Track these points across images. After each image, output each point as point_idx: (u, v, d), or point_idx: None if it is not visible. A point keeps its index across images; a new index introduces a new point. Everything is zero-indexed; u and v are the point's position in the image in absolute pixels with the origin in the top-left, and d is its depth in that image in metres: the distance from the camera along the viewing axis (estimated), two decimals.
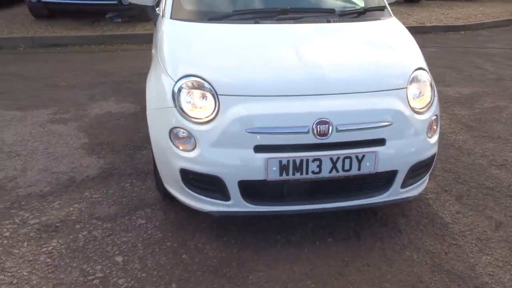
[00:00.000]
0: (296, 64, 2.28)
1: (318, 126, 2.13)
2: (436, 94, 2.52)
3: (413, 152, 2.32)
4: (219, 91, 2.18)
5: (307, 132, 2.13)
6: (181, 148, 2.22)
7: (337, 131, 2.15)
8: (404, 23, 9.25)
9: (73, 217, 2.58)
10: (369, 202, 2.35)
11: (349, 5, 3.05)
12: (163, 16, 2.81)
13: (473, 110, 4.45)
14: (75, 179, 2.99)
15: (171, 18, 2.73)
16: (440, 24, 8.88)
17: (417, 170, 2.40)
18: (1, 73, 5.31)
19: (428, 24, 8.76)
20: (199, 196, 2.28)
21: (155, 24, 3.05)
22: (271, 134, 2.13)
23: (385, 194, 2.35)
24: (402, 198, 2.43)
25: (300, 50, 2.37)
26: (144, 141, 3.50)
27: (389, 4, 3.24)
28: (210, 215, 2.35)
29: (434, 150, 2.44)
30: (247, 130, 2.11)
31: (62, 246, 2.34)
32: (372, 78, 2.32)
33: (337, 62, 2.34)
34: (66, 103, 4.38)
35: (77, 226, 2.51)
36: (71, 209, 2.66)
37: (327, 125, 2.13)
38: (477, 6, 11.38)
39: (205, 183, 2.23)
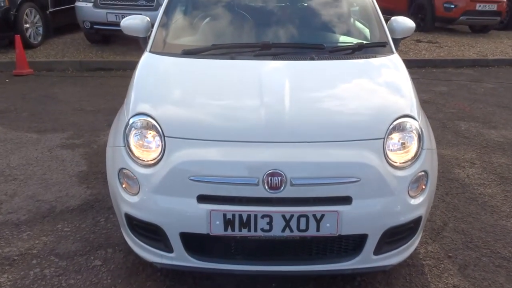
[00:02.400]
0: (256, 107, 2.06)
1: (269, 178, 1.88)
2: (429, 146, 2.15)
3: (387, 214, 1.98)
4: (167, 132, 2.01)
5: (257, 184, 1.89)
6: (127, 191, 2.07)
7: (292, 184, 1.89)
8: (462, 55, 8.64)
9: (34, 251, 2.52)
10: (334, 268, 2.03)
11: (344, 39, 2.76)
12: (145, 49, 2.73)
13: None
14: (55, 209, 2.95)
15: (150, 51, 2.64)
16: (505, 57, 8.12)
17: (395, 236, 2.05)
18: (40, 95, 5.58)
19: (490, 57, 8.03)
20: (143, 244, 2.11)
21: None
22: (216, 183, 1.92)
23: (353, 261, 2.01)
24: (376, 267, 2.08)
25: (265, 91, 2.14)
26: None
27: (403, 38, 2.91)
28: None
29: (418, 212, 2.07)
30: (190, 177, 1.91)
31: (9, 283, 2.26)
32: (341, 126, 2.04)
33: (303, 107, 2.08)
34: (83, 128, 4.46)
35: (34, 261, 2.43)
36: (37, 241, 2.61)
37: (279, 177, 1.88)
38: None
39: (147, 231, 2.07)
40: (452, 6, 9.76)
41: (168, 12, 2.86)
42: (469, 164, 3.76)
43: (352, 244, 2.01)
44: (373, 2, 2.91)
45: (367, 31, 2.82)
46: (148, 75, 2.47)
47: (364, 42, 2.67)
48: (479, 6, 9.77)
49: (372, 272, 2.24)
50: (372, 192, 1.95)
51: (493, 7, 9.89)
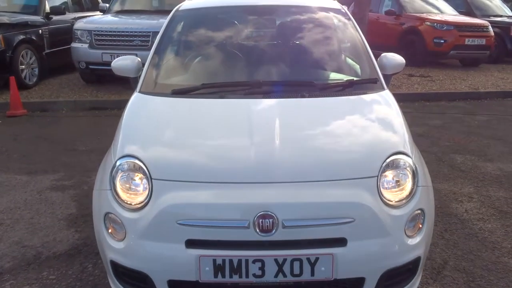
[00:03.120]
0: (246, 147, 2.02)
1: (260, 220, 1.81)
2: (424, 183, 2.10)
3: (384, 256, 1.91)
4: (154, 174, 1.96)
5: (247, 227, 1.82)
6: (113, 236, 1.99)
7: (284, 227, 1.82)
8: (455, 89, 8.74)
9: None
10: None
11: (335, 76, 2.76)
12: (135, 89, 2.71)
13: None
14: (41, 255, 2.85)
15: (139, 91, 2.62)
16: (496, 90, 8.20)
17: (394, 278, 1.97)
18: (32, 136, 5.53)
19: (482, 90, 8.11)
20: None
21: None
22: (205, 227, 1.85)
23: None
24: None
25: (255, 131, 2.10)
26: None
27: (393, 73, 2.91)
28: None
29: (416, 253, 1.99)
30: (178, 221, 1.84)
31: None
32: (334, 164, 1.99)
33: (294, 146, 2.04)
34: (75, 168, 4.39)
35: None
36: None
37: (271, 220, 1.81)
38: None
39: (134, 279, 1.97)
40: (442, 41, 9.94)
41: (158, 52, 2.86)
42: (466, 198, 3.69)
43: None
44: (362, 39, 2.92)
45: (357, 68, 2.82)
46: (136, 115, 2.43)
47: (355, 78, 2.66)
48: (468, 41, 9.96)
49: None
50: (367, 232, 1.88)
51: (482, 41, 10.09)
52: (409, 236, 1.97)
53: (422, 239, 2.02)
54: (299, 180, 1.91)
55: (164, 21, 7.91)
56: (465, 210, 3.48)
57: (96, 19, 7.93)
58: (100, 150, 4.93)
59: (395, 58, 2.94)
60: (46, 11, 8.37)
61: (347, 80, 2.60)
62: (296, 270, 1.83)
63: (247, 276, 1.83)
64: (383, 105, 2.46)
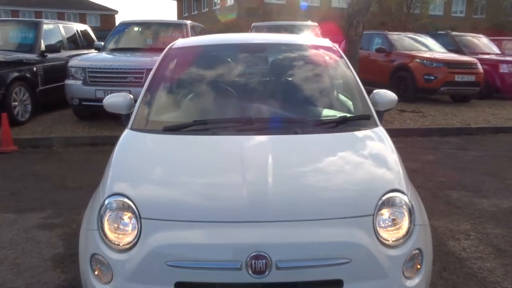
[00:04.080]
0: (238, 185, 1.97)
1: (253, 261, 1.74)
2: (421, 222, 2.05)
3: None
4: (143, 213, 1.90)
5: (240, 269, 1.75)
6: (99, 279, 1.90)
7: (278, 268, 1.75)
8: (447, 124, 8.81)
9: None
10: None
11: (328, 113, 2.75)
12: (126, 126, 2.68)
13: (510, 229, 3.77)
14: None
15: (130, 128, 2.58)
16: (488, 125, 8.28)
17: None
18: (22, 173, 5.44)
19: (474, 125, 8.18)
20: None
21: None
22: (195, 268, 1.77)
23: None
24: None
25: (247, 168, 2.06)
26: None
27: (386, 110, 2.91)
28: None
29: None
30: (168, 263, 1.77)
31: None
32: (328, 202, 1.94)
33: (287, 183, 2.00)
34: (64, 206, 4.29)
35: None
36: None
37: (264, 261, 1.75)
38: None
39: None
40: (432, 77, 10.12)
41: (150, 89, 2.85)
42: (464, 236, 3.63)
43: None
44: (354, 76, 2.94)
45: (350, 104, 2.82)
46: (126, 152, 2.39)
47: (348, 115, 2.65)
48: (458, 77, 10.15)
49: None
50: (364, 274, 1.81)
51: (472, 78, 10.28)
52: (407, 278, 1.90)
53: (422, 281, 1.95)
54: (292, 219, 1.85)
55: (157, 58, 8.02)
56: (463, 249, 3.41)
57: (90, 57, 8.01)
58: (90, 186, 4.83)
59: (388, 95, 2.95)
60: (42, 49, 8.45)
61: (340, 117, 2.59)
62: None
63: None
64: (377, 142, 2.43)
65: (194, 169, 2.14)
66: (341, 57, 3.09)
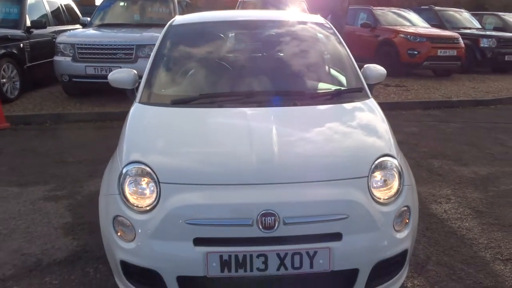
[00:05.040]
0: (246, 151, 2.18)
1: (263, 218, 1.96)
2: (409, 182, 2.29)
3: (375, 249, 2.08)
4: (161, 178, 2.09)
5: (251, 225, 1.97)
6: (122, 238, 2.11)
7: (285, 224, 1.97)
8: (429, 98, 9.09)
9: None
10: None
11: (323, 86, 2.95)
12: (134, 99, 2.84)
13: (487, 193, 4.08)
14: (41, 262, 2.91)
15: (139, 102, 2.75)
16: (468, 99, 8.60)
17: (384, 269, 2.14)
18: (18, 149, 5.54)
19: (455, 99, 8.50)
20: None
21: None
22: (211, 226, 1.99)
23: None
24: None
25: (254, 136, 2.27)
26: None
27: (375, 83, 3.13)
28: None
29: (404, 245, 2.18)
30: (186, 221, 1.98)
31: None
32: (328, 166, 2.16)
33: (290, 149, 2.22)
34: (66, 179, 4.44)
35: None
36: None
37: (273, 217, 1.97)
38: (511, 79, 11.03)
39: (144, 277, 2.09)
40: (416, 52, 10.36)
41: (155, 65, 2.99)
42: (445, 199, 3.93)
43: (344, 279, 2.08)
44: (346, 51, 3.13)
45: (343, 78, 3.02)
46: (139, 124, 2.56)
47: (342, 88, 2.86)
48: (440, 52, 10.42)
49: None
50: (360, 227, 2.05)
51: (453, 52, 10.56)
52: (397, 231, 2.15)
53: (409, 233, 2.20)
54: (297, 181, 2.07)
55: (147, 34, 8.06)
56: (444, 211, 3.70)
57: (79, 33, 8.00)
58: (88, 161, 5.01)
59: (377, 69, 3.16)
60: (27, 25, 8.37)
61: (335, 90, 2.80)
62: (297, 263, 1.98)
63: (251, 270, 1.97)
64: (369, 112, 2.66)
65: (205, 137, 2.34)
66: (333, 33, 3.28)
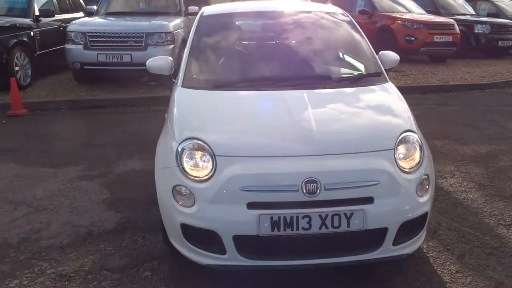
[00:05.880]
0: (288, 128, 2.50)
1: (307, 184, 2.29)
2: (427, 154, 2.63)
3: (402, 211, 2.42)
4: (217, 152, 2.40)
5: (297, 190, 2.29)
6: (182, 204, 2.42)
7: (325, 189, 2.30)
8: (427, 82, 9.40)
9: (86, 268, 2.78)
10: (361, 258, 2.43)
11: (346, 71, 3.27)
12: (176, 84, 3.13)
13: (488, 169, 4.45)
14: (92, 232, 3.22)
15: (182, 86, 3.04)
16: (464, 83, 8.97)
17: (409, 228, 2.48)
18: (42, 133, 5.80)
19: (452, 83, 8.86)
20: (198, 249, 2.44)
21: (171, 91, 3.38)
22: (263, 192, 2.31)
23: (377, 251, 2.42)
24: (395, 256, 2.49)
25: (293, 114, 2.59)
26: None
27: (389, 68, 3.44)
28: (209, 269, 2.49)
29: (425, 208, 2.52)
30: (241, 188, 2.30)
31: None
32: (360, 140, 2.49)
33: (327, 125, 2.54)
34: (95, 161, 4.72)
35: (89, 276, 2.70)
36: (86, 260, 2.87)
37: (315, 184, 2.29)
38: (504, 64, 11.40)
39: (202, 237, 2.40)
40: (413, 38, 10.68)
41: (193, 52, 3.26)
42: (450, 175, 4.29)
43: (375, 237, 2.42)
44: (364, 38, 3.45)
45: (363, 64, 3.33)
46: (187, 106, 2.86)
47: (363, 72, 3.17)
48: (436, 38, 10.74)
49: (391, 260, 2.62)
50: (389, 192, 2.39)
51: (449, 38, 10.89)
52: (419, 196, 2.49)
53: (429, 198, 2.55)
54: (334, 153, 2.40)
55: (156, 22, 8.27)
56: (449, 185, 4.06)
57: (89, 21, 8.18)
58: (113, 144, 5.29)
59: (391, 55, 3.48)
60: (36, 14, 8.53)
61: (357, 74, 3.12)
62: (336, 223, 2.31)
63: (297, 229, 2.30)
64: (390, 94, 2.99)
65: (250, 115, 2.65)
66: (351, 22, 3.59)
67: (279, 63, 3.20)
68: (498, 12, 13.90)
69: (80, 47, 7.73)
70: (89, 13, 9.27)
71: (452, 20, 11.22)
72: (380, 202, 2.36)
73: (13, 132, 5.89)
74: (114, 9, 8.97)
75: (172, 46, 7.79)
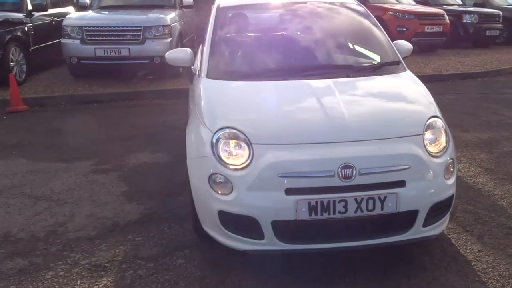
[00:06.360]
0: (321, 115, 2.56)
1: (343, 170, 2.36)
2: (451, 139, 2.73)
3: (432, 193, 2.51)
4: (253, 140, 2.46)
5: (333, 176, 2.36)
6: (219, 192, 2.47)
7: (360, 174, 2.38)
8: (421, 72, 9.57)
9: (120, 258, 2.82)
10: (394, 240, 2.52)
11: (366, 60, 3.35)
12: (199, 75, 3.16)
13: (492, 154, 4.59)
14: (118, 224, 3.25)
15: (207, 77, 3.07)
16: (457, 72, 9.15)
17: (437, 210, 2.58)
18: (45, 129, 5.76)
19: (445, 72, 9.03)
20: (235, 235, 2.50)
21: (191, 82, 3.41)
22: (300, 178, 2.38)
23: (408, 233, 2.52)
24: (425, 237, 2.59)
25: (323, 102, 2.65)
26: (177, 188, 3.77)
27: (403, 57, 3.53)
28: (245, 254, 2.55)
29: (452, 191, 2.62)
30: (279, 175, 2.36)
31: (112, 284, 2.57)
32: (390, 126, 2.58)
33: (357, 113, 2.62)
34: (106, 155, 4.72)
35: (124, 265, 2.74)
36: (117, 250, 2.91)
37: (350, 169, 2.37)
38: (493, 53, 11.65)
39: (241, 223, 2.46)
40: (404, 29, 10.84)
41: (214, 44, 3.29)
42: (457, 161, 4.42)
43: (407, 219, 2.51)
44: (380, 28, 3.53)
45: (382, 53, 3.40)
46: (216, 96, 2.89)
47: (383, 61, 3.25)
48: (427, 28, 10.92)
49: (420, 242, 2.72)
50: (419, 176, 2.48)
51: (439, 28, 11.08)
52: (446, 178, 2.59)
53: (454, 180, 2.66)
54: (368, 139, 2.48)
55: (153, 15, 8.23)
56: (458, 170, 4.19)
57: (85, 15, 8.09)
58: (121, 138, 5.29)
59: (405, 45, 3.57)
60: (29, 8, 8.39)
61: (377, 63, 3.20)
62: (370, 206, 2.40)
63: (334, 213, 2.38)
64: (411, 81, 3.08)
65: (281, 104, 2.71)
66: (367, 12, 3.66)
67: (302, 53, 3.25)
68: (485, 2, 14.14)
69: (77, 41, 7.65)
70: (82, 7, 9.15)
71: (442, 11, 11.41)
72: (412, 185, 2.45)
73: (15, 128, 5.83)
74: (108, 2, 8.88)
75: (170, 39, 7.77)
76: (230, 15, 3.61)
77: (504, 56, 11.11)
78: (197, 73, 3.31)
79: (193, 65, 3.42)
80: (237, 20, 3.56)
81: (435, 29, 11.02)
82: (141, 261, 2.78)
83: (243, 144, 2.47)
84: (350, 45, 3.43)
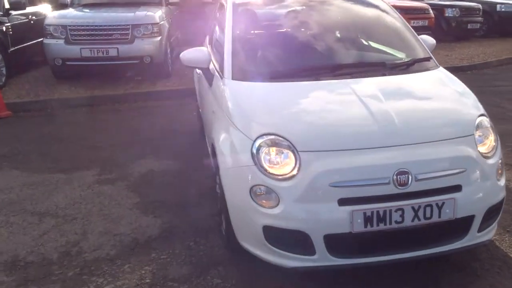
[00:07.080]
0: (368, 118, 2.38)
1: (399, 176, 2.19)
2: (498, 138, 2.60)
3: (487, 196, 2.37)
4: (299, 147, 2.25)
5: (388, 183, 2.18)
6: (263, 205, 2.25)
7: (416, 180, 2.21)
8: None
9: (148, 280, 2.57)
10: (450, 248, 2.36)
11: (396, 56, 3.19)
12: (221, 77, 2.91)
13: (507, 148, 4.51)
14: (138, 240, 2.99)
15: (232, 79, 2.83)
16: (447, 66, 9.11)
17: (491, 214, 2.44)
18: (36, 136, 5.38)
19: None
20: (282, 252, 2.29)
21: (210, 84, 3.16)
22: (354, 186, 2.19)
23: (464, 239, 2.37)
24: (479, 242, 2.45)
25: (367, 104, 2.47)
26: (193, 198, 3.53)
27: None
28: (289, 271, 2.34)
29: (503, 193, 2.49)
30: (331, 184, 2.16)
31: None
32: (440, 127, 2.42)
33: (405, 114, 2.44)
34: (107, 163, 4.41)
35: None
36: (143, 271, 2.66)
37: (406, 175, 2.19)
38: (476, 46, 11.75)
39: (289, 239, 2.25)
40: None
41: (235, 43, 3.04)
42: None
43: (462, 225, 2.36)
44: (407, 25, 3.36)
45: (411, 49, 3.24)
46: (247, 99, 2.66)
47: (414, 58, 3.08)
48: (413, 22, 10.88)
49: (475, 248, 2.57)
50: (475, 179, 2.33)
51: (425, 22, 11.11)
52: (498, 180, 2.46)
53: (504, 181, 2.52)
54: (420, 142, 2.31)
55: (141, 13, 7.90)
56: None
57: (69, 14, 7.66)
58: (118, 144, 4.98)
59: (430, 39, 3.43)
60: (6, 7, 7.92)
61: (410, 60, 3.03)
62: (428, 214, 2.23)
63: (390, 223, 2.20)
64: (449, 78, 2.93)
65: (322, 107, 2.50)
66: (392, 8, 3.50)
67: (332, 51, 3.05)
68: None
69: (61, 41, 7.23)
70: (62, 5, 8.69)
71: (426, 5, 11.43)
72: (468, 189, 2.30)
73: (2, 136, 5.44)
74: (90, 0, 8.47)
75: (159, 38, 7.46)
76: (247, 12, 3.37)
77: (488, 49, 11.21)
78: (216, 74, 3.06)
79: (209, 65, 3.17)
80: (256, 18, 3.34)
81: (421, 23, 11.02)
82: (173, 283, 2.54)
83: (287, 152, 2.26)
84: (380, 41, 3.25)
